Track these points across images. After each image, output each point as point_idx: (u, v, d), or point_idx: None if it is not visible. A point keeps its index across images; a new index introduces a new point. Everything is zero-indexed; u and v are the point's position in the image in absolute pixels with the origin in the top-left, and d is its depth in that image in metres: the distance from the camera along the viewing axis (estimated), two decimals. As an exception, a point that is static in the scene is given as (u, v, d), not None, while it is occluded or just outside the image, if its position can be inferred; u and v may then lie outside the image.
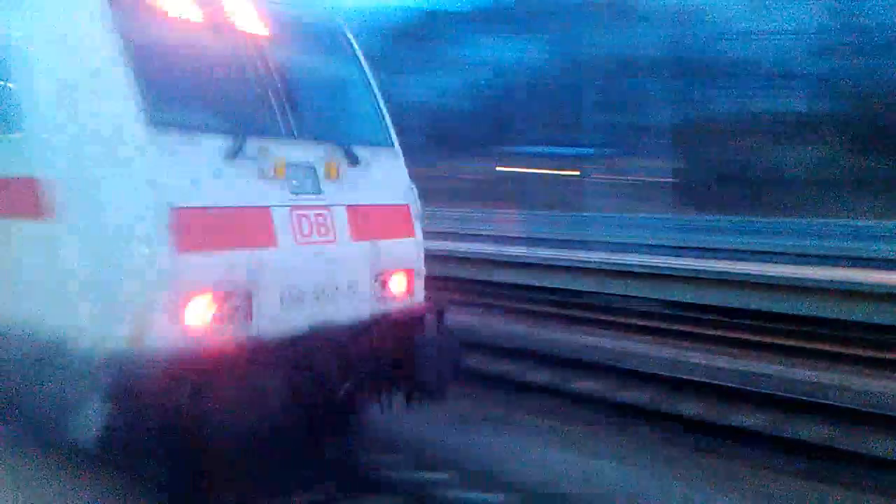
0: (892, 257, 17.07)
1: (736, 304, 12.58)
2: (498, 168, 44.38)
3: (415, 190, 6.13)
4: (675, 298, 13.36)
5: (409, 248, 5.91)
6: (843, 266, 14.59)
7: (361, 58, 6.25)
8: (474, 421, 7.33)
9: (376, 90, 6.19)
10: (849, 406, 7.83)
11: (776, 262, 15.18)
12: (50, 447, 5.35)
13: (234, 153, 4.64)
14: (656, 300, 13.60)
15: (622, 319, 12.63)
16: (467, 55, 53.12)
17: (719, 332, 11.58)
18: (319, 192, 5.17)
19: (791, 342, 10.97)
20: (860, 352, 10.36)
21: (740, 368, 9.61)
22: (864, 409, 7.70)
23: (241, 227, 4.60)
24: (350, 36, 6.26)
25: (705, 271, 13.30)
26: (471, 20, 54.43)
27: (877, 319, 11.08)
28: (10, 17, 5.02)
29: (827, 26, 38.71)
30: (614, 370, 9.28)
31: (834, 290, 11.64)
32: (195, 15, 5.00)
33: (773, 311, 12.11)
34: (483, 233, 24.48)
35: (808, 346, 10.71)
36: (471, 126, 46.35)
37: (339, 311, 5.15)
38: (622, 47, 39.98)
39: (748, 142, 38.77)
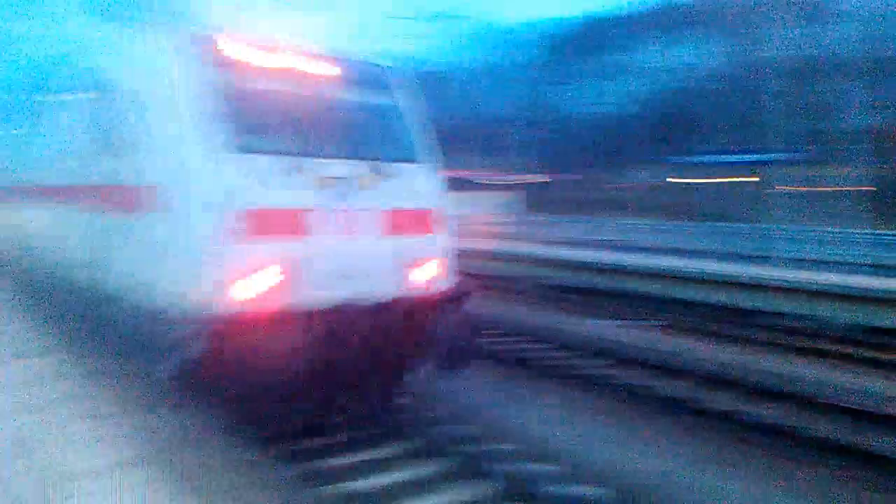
0: None
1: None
2: (669, 179, 42.77)
3: (444, 197, 7.50)
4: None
5: (430, 245, 7.26)
6: None
7: (398, 92, 7.74)
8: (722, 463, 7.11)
9: (412, 116, 7.73)
10: None
11: None
12: (150, 378, 6.63)
13: (291, 170, 6.28)
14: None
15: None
16: (636, 61, 51.74)
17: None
18: (355, 198, 6.68)
19: None
20: None
21: None
22: None
23: (293, 223, 6.21)
24: (391, 75, 7.80)
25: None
26: (637, 23, 52.96)
27: None
28: (124, 62, 7.06)
29: None
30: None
31: None
32: (267, 62, 6.71)
33: None
34: (673, 246, 23.23)
35: None
36: (640, 135, 45.03)
37: (366, 290, 6.61)
38: (811, 46, 37.11)
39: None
